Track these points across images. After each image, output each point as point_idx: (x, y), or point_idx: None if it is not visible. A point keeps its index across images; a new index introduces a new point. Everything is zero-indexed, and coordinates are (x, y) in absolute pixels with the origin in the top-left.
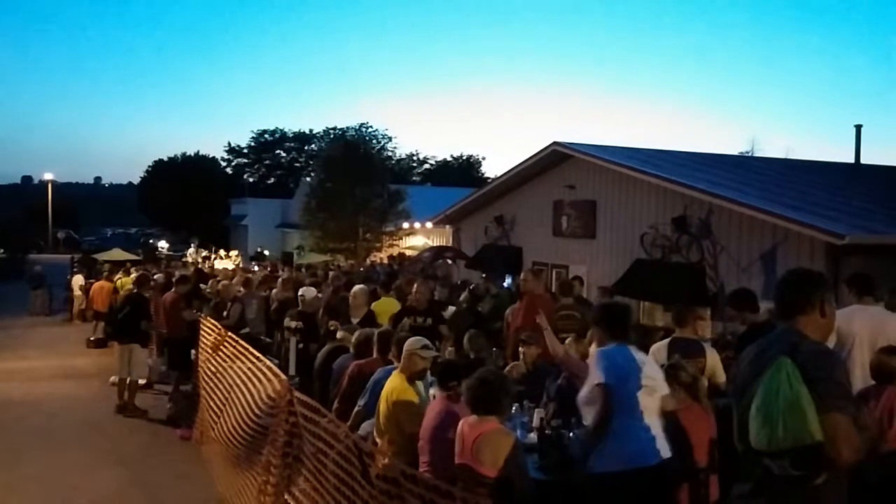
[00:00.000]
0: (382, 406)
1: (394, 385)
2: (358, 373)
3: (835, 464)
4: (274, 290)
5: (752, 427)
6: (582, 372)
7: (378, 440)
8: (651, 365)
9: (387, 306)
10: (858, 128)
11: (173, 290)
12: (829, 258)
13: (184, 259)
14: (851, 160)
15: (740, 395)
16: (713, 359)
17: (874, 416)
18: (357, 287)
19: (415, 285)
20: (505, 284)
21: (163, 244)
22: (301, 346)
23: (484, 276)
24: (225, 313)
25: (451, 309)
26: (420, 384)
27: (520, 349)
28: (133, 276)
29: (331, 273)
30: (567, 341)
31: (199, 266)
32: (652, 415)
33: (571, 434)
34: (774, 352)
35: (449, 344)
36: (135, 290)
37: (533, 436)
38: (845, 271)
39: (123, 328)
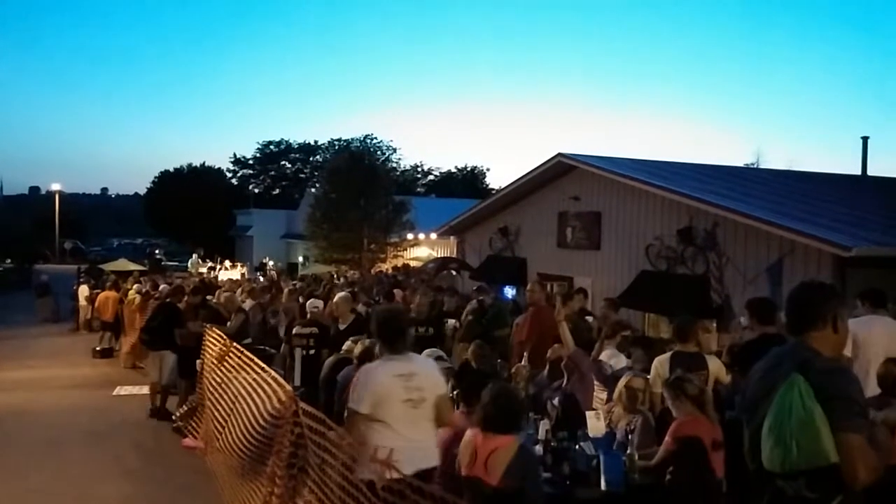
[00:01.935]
0: None
1: None
2: None
3: (851, 485)
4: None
5: (765, 447)
6: (589, 372)
7: None
8: (420, 374)
9: None
10: (865, 139)
11: (185, 300)
12: (835, 270)
13: (188, 270)
14: (858, 172)
15: (751, 412)
16: (715, 365)
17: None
18: (339, 295)
19: (416, 296)
20: (508, 296)
21: (158, 253)
22: (313, 352)
23: (476, 288)
24: (229, 323)
25: (451, 322)
26: None
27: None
28: (137, 286)
29: (339, 283)
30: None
31: (205, 277)
32: (417, 423)
33: (578, 446)
34: (786, 368)
35: (463, 355)
36: (167, 300)
37: (539, 448)
38: (852, 283)
39: (156, 336)
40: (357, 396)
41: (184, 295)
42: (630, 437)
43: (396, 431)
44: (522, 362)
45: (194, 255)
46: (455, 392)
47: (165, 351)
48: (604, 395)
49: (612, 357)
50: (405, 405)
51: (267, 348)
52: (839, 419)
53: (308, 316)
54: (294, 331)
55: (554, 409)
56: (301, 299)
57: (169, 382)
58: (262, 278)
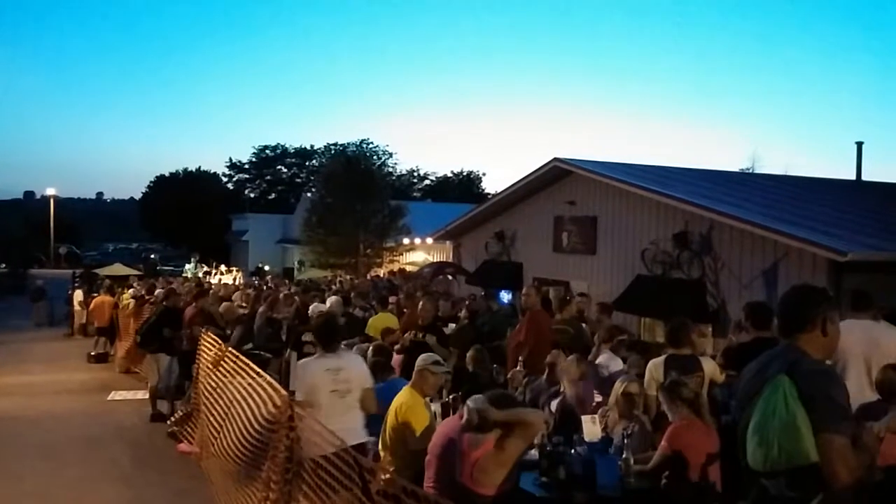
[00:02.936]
0: (391, 419)
1: (404, 400)
2: None
3: (831, 485)
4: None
5: (749, 446)
6: (586, 398)
7: (382, 453)
8: (347, 369)
9: (381, 322)
10: (859, 145)
11: (193, 304)
12: (830, 275)
13: (184, 274)
14: (853, 177)
15: (741, 412)
16: (710, 367)
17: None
18: (332, 299)
19: (420, 302)
20: (505, 300)
21: (154, 257)
22: None
23: (483, 293)
24: (228, 331)
25: (452, 326)
26: (427, 401)
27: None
28: (131, 290)
29: (333, 288)
30: (568, 359)
31: (201, 281)
32: (343, 410)
33: (573, 451)
34: (774, 370)
35: (453, 360)
36: (162, 303)
37: (534, 452)
38: (847, 288)
39: (150, 338)
40: (296, 386)
41: (178, 297)
42: (627, 441)
43: (326, 416)
44: (518, 367)
45: (192, 260)
46: (451, 396)
47: (160, 353)
48: (599, 399)
49: (608, 361)
50: (333, 395)
51: (262, 353)
52: (821, 420)
53: (312, 322)
54: (305, 338)
55: (552, 415)
56: (297, 300)
57: (169, 384)
58: (257, 281)
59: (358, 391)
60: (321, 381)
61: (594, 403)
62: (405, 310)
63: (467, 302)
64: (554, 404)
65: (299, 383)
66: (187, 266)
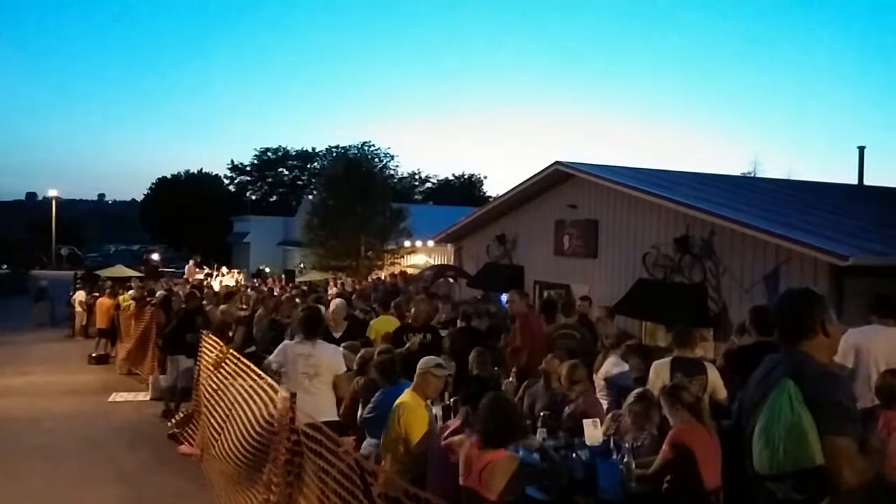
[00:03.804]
0: (392, 422)
1: (405, 403)
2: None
3: (838, 487)
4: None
5: (755, 450)
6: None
7: (383, 456)
8: (317, 356)
9: (382, 324)
10: (861, 149)
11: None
12: (832, 279)
13: (185, 276)
14: (854, 181)
15: (747, 417)
16: (714, 375)
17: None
18: (336, 301)
19: (414, 303)
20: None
21: (154, 257)
22: None
23: (479, 297)
24: (231, 334)
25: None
26: (429, 403)
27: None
28: (131, 292)
29: (333, 290)
30: (563, 366)
31: (203, 283)
32: (310, 390)
33: (574, 454)
34: (779, 374)
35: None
36: (183, 306)
37: (536, 456)
38: (848, 293)
39: (170, 340)
40: (274, 358)
41: (199, 301)
42: (629, 447)
43: (297, 393)
44: (511, 378)
45: (191, 262)
46: (452, 399)
47: (179, 355)
48: (606, 401)
49: (615, 366)
50: (302, 376)
51: (266, 355)
52: (827, 423)
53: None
54: None
55: (566, 422)
56: (298, 303)
57: (184, 386)
58: (256, 282)
59: (327, 376)
60: (294, 362)
61: (607, 413)
62: (406, 312)
63: (458, 304)
64: (566, 413)
65: (278, 358)
66: (186, 267)
